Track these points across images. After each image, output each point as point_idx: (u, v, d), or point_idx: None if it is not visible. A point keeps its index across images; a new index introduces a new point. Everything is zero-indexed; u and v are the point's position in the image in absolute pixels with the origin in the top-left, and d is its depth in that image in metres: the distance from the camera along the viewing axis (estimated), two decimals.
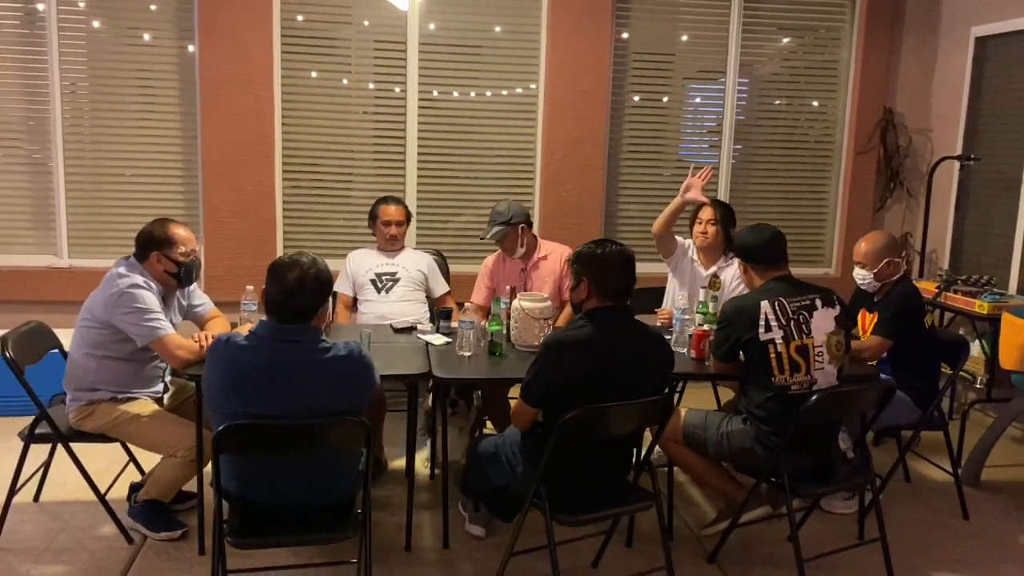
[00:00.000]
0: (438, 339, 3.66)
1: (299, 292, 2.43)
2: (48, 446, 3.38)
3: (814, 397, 2.90)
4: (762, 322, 2.99)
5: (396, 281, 4.33)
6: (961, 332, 4.83)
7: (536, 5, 5.18)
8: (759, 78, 5.54)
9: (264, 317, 2.50)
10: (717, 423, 3.18)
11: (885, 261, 3.68)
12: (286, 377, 2.38)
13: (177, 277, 3.27)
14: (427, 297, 4.45)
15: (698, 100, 5.52)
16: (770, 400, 3.02)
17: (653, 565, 3.14)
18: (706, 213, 4.06)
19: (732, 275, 4.05)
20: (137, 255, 3.28)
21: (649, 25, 5.36)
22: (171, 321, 3.34)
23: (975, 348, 4.71)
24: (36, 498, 3.62)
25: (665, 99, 5.46)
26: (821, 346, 3.05)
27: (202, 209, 5.06)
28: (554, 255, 4.29)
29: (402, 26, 5.09)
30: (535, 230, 5.27)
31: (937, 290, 4.63)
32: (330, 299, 2.60)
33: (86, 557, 3.18)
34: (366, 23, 5.10)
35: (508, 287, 3.93)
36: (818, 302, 3.10)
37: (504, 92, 5.29)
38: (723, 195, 5.54)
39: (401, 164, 5.24)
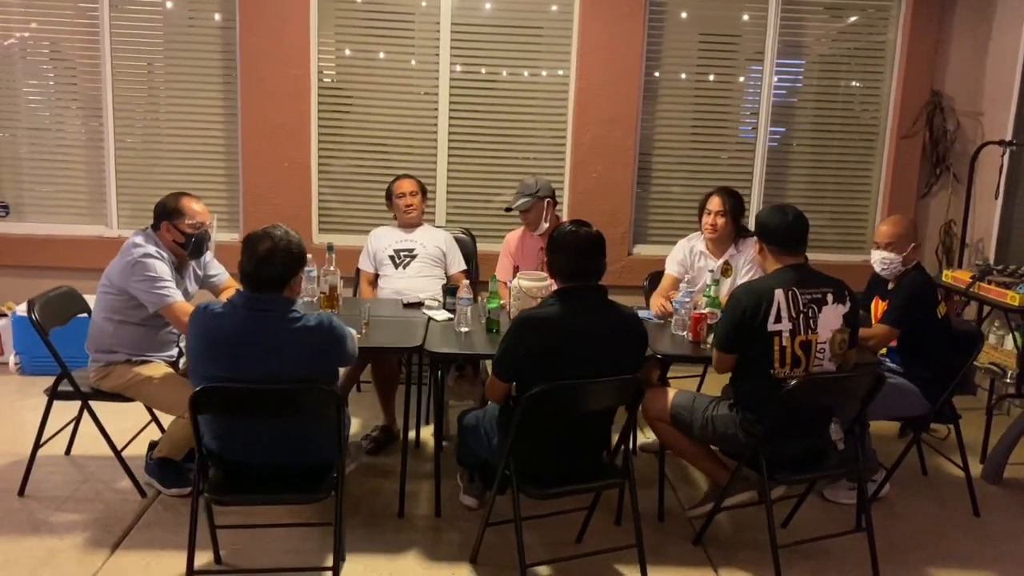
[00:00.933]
0: (441, 315, 3.75)
1: (270, 262, 2.55)
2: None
3: (792, 382, 2.86)
4: (774, 311, 2.93)
5: (413, 257, 4.44)
6: (996, 325, 4.66)
7: None
8: (802, 59, 5.41)
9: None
10: (704, 407, 3.18)
11: (912, 245, 3.58)
12: (257, 344, 2.51)
13: (184, 248, 3.44)
14: (445, 274, 4.54)
15: (740, 80, 5.41)
16: (761, 390, 2.98)
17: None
18: (714, 204, 3.98)
19: (744, 261, 4.01)
20: (152, 225, 3.46)
21: (685, 5, 5.29)
22: (187, 290, 3.55)
23: (1008, 341, 4.54)
24: (67, 451, 3.88)
25: (706, 79, 5.39)
26: (825, 343, 3.00)
27: (242, 184, 5.27)
28: None
29: (436, 5, 5.17)
30: (565, 211, 5.34)
31: (971, 280, 4.46)
32: (304, 270, 2.70)
33: (101, 508, 3.41)
34: (400, 3, 5.20)
35: (514, 266, 3.99)
36: (829, 297, 3.02)
37: (535, 73, 5.32)
38: (759, 179, 5.45)
39: (433, 143, 5.33)
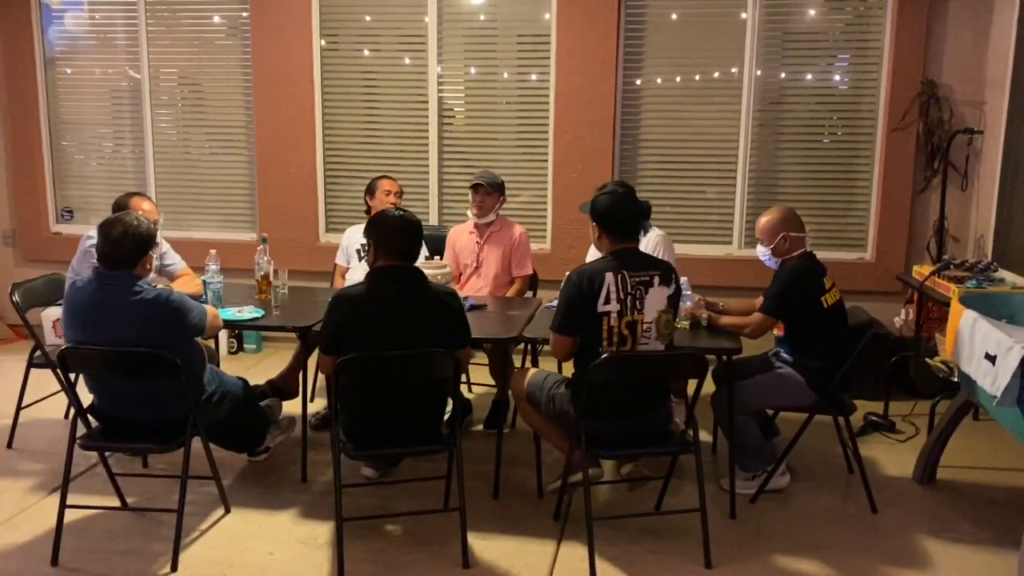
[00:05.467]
0: None
1: (121, 244, 2.99)
2: None
3: (603, 356, 2.99)
4: (603, 293, 3.07)
5: None
6: None
7: None
8: (788, 54, 5.34)
9: None
10: (551, 385, 3.33)
11: (780, 236, 3.57)
12: (102, 313, 2.97)
13: None
14: None
15: (722, 78, 5.42)
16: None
17: (504, 515, 3.47)
18: None
19: (646, 244, 4.07)
20: None
21: (664, 7, 5.37)
22: None
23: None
24: (66, 415, 4.52)
25: (689, 79, 5.44)
26: (650, 323, 3.12)
27: (256, 190, 5.86)
28: (505, 231, 4.56)
29: (423, 19, 5.56)
30: (549, 206, 5.58)
31: (929, 275, 4.28)
32: (153, 251, 3.13)
33: (60, 459, 3.98)
34: (390, 20, 5.64)
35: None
36: (656, 279, 3.14)
37: (520, 76, 5.60)
38: (742, 179, 5.42)
39: (425, 146, 5.72)
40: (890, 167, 5.18)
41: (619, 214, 3.20)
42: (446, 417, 3.30)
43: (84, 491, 3.66)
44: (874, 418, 4.53)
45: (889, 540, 3.34)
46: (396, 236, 3.09)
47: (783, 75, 5.36)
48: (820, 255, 5.24)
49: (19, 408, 4.18)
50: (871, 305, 5.21)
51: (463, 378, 5.03)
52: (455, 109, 5.70)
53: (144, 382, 3.06)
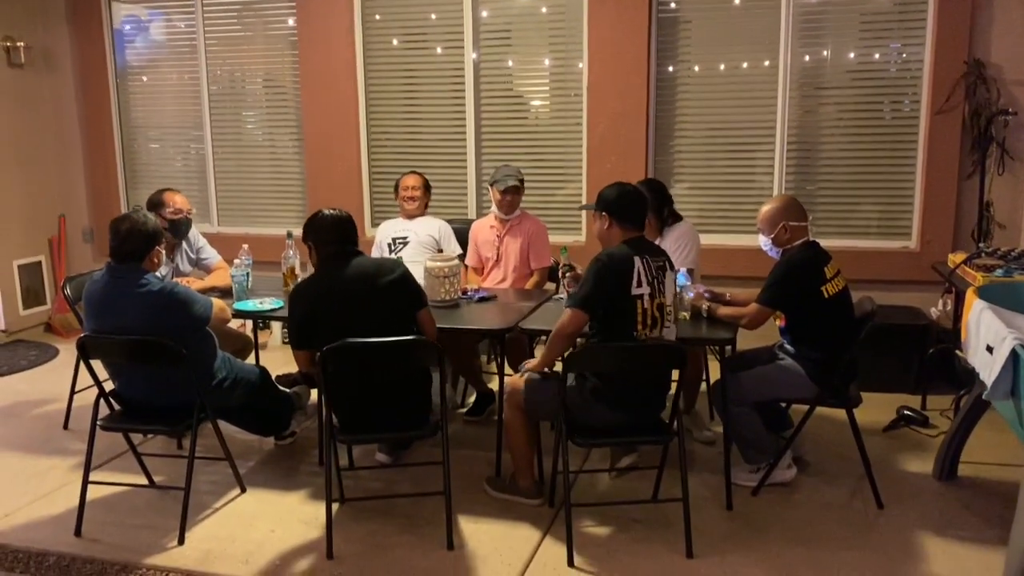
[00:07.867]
0: None
1: (128, 239, 3.23)
2: None
3: (577, 347, 3.04)
4: (635, 276, 3.12)
5: (406, 244, 4.94)
6: None
7: None
8: (823, 35, 5.19)
9: None
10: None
11: (780, 226, 3.51)
12: (111, 303, 3.21)
13: (168, 231, 4.20)
14: None
15: (752, 62, 5.32)
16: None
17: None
18: None
19: (670, 245, 4.05)
20: None
21: None
22: (178, 267, 4.39)
23: None
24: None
25: (727, 66, 5.37)
26: (670, 306, 3.21)
27: (306, 187, 6.12)
28: (523, 224, 4.63)
29: (460, 22, 5.68)
30: (584, 200, 5.61)
31: (961, 262, 4.11)
32: (161, 247, 3.35)
33: (108, 441, 4.26)
34: (432, 16, 5.78)
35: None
36: (667, 264, 3.23)
37: (556, 68, 5.65)
38: (780, 166, 5.30)
39: (463, 140, 5.85)
40: (935, 151, 4.98)
41: (629, 202, 3.27)
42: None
43: (120, 470, 3.94)
44: (907, 412, 4.38)
45: (887, 536, 3.26)
46: (328, 231, 3.27)
47: (821, 58, 5.21)
48: (863, 244, 5.19)
49: (72, 392, 4.52)
50: (916, 295, 5.05)
51: (494, 368, 5.14)
52: (492, 101, 5.78)
53: (153, 369, 3.29)
